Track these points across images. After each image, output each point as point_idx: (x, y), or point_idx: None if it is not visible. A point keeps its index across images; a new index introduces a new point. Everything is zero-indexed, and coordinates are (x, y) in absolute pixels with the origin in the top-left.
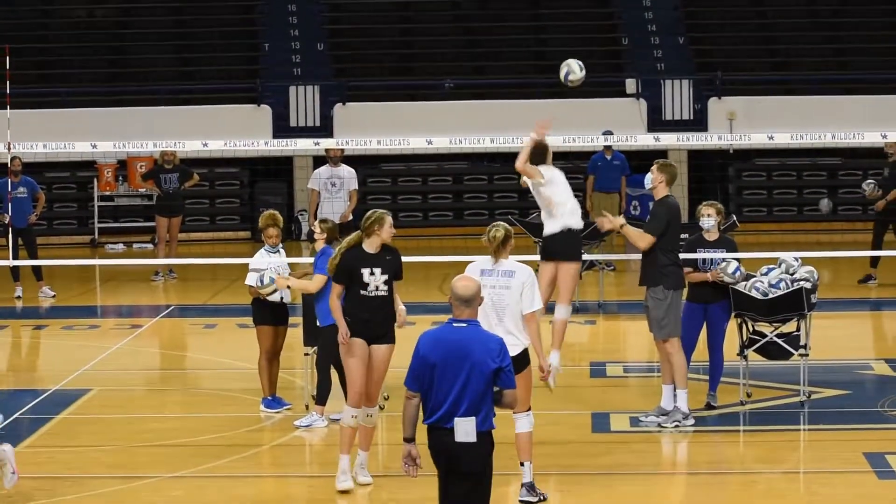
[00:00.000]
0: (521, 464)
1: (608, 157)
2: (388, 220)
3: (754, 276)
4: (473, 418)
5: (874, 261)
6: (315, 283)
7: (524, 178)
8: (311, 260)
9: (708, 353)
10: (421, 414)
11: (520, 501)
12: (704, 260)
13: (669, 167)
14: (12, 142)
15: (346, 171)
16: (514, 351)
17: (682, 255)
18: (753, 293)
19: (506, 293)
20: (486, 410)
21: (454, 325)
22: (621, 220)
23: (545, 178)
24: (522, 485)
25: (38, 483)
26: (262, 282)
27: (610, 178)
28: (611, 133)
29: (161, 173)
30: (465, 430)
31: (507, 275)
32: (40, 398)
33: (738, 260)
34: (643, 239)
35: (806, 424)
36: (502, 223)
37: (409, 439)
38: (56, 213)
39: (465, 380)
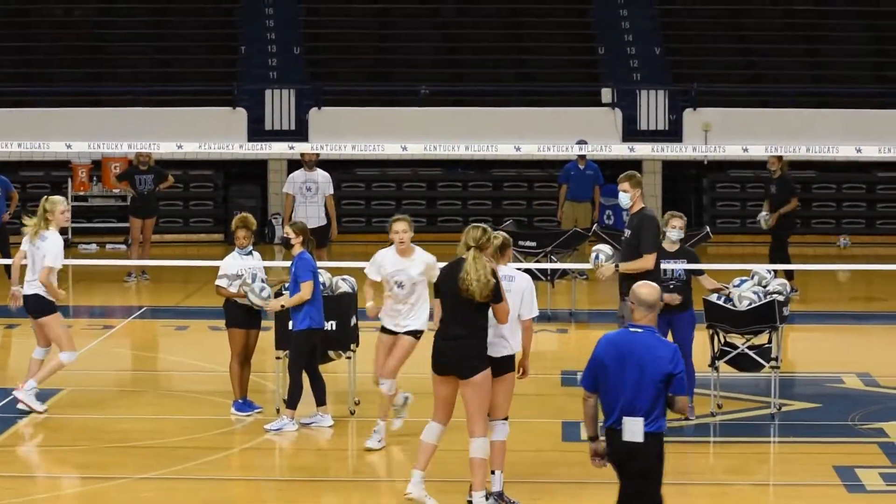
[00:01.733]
0: (492, 472)
1: (581, 167)
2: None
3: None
4: (641, 419)
5: (790, 274)
6: (305, 291)
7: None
8: (285, 264)
9: None
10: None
11: None
12: (665, 272)
13: (635, 177)
14: None
15: (322, 176)
16: (501, 353)
17: None
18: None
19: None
20: (657, 413)
21: (631, 329)
22: (611, 267)
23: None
24: (491, 494)
25: (7, 482)
26: (254, 284)
27: (583, 188)
28: (585, 143)
29: (136, 174)
30: (631, 430)
31: (508, 279)
32: (11, 397)
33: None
34: (647, 261)
35: (776, 437)
36: (502, 231)
37: (593, 438)
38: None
39: (637, 383)
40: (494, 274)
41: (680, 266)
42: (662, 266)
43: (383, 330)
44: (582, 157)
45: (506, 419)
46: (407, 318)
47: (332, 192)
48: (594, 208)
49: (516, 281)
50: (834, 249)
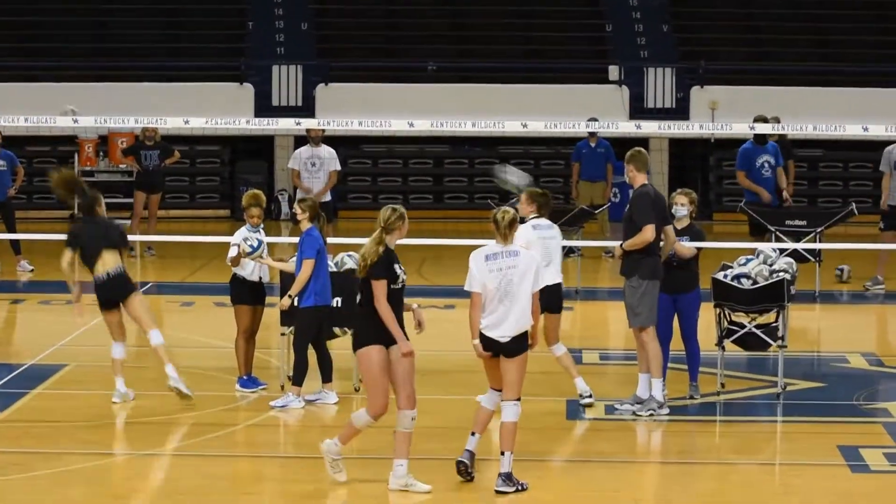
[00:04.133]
0: (502, 453)
1: (592, 145)
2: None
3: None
4: None
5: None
6: (305, 270)
7: None
8: (293, 240)
9: (683, 344)
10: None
11: (496, 491)
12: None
13: (638, 154)
14: None
15: (326, 152)
16: (514, 333)
17: None
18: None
19: (513, 272)
20: None
21: None
22: (617, 247)
23: None
24: (500, 475)
25: (12, 458)
26: (251, 247)
27: (595, 166)
28: (595, 120)
29: (142, 149)
30: None
31: (513, 255)
32: (16, 372)
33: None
34: (646, 233)
35: (781, 416)
36: (509, 208)
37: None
38: (36, 187)
39: None
40: (383, 254)
41: (685, 244)
42: None
43: None
44: (593, 134)
45: (518, 399)
46: None
47: (337, 167)
48: (607, 186)
49: (521, 258)
50: (840, 228)
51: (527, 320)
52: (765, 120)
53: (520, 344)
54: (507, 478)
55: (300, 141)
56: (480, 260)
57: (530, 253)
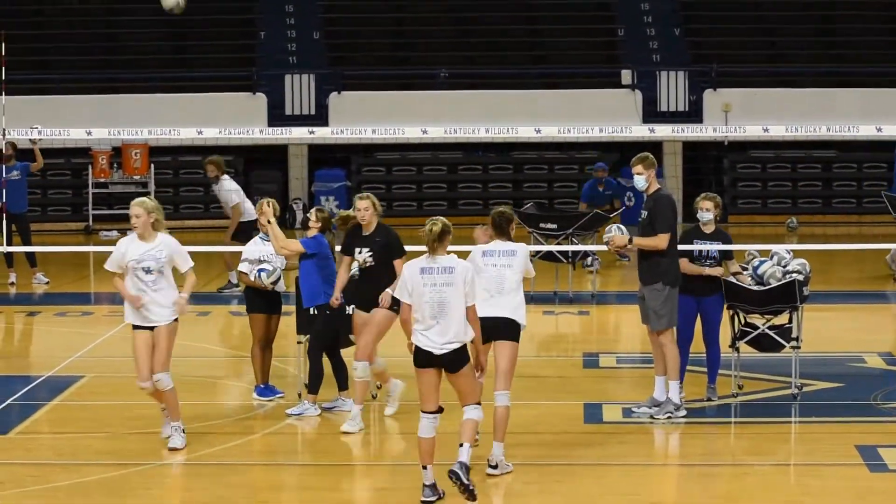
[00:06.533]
0: (461, 445)
1: (601, 189)
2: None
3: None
4: None
5: None
6: (293, 243)
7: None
8: None
9: (705, 347)
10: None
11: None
12: (700, 252)
13: (648, 158)
14: (7, 128)
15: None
16: (450, 348)
17: (679, 246)
18: (749, 281)
19: (447, 290)
20: None
21: None
22: (624, 238)
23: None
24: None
25: (30, 470)
26: (260, 276)
27: (601, 203)
28: (605, 166)
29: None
30: None
31: (447, 271)
32: (33, 384)
33: (730, 252)
34: (660, 240)
35: (798, 417)
36: (441, 218)
37: None
38: (50, 199)
39: None
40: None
41: (714, 247)
42: (697, 247)
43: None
44: (600, 181)
45: (478, 404)
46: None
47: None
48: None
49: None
50: (854, 229)
51: (465, 333)
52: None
53: (459, 357)
54: (461, 470)
55: (314, 150)
56: (415, 271)
57: (464, 264)
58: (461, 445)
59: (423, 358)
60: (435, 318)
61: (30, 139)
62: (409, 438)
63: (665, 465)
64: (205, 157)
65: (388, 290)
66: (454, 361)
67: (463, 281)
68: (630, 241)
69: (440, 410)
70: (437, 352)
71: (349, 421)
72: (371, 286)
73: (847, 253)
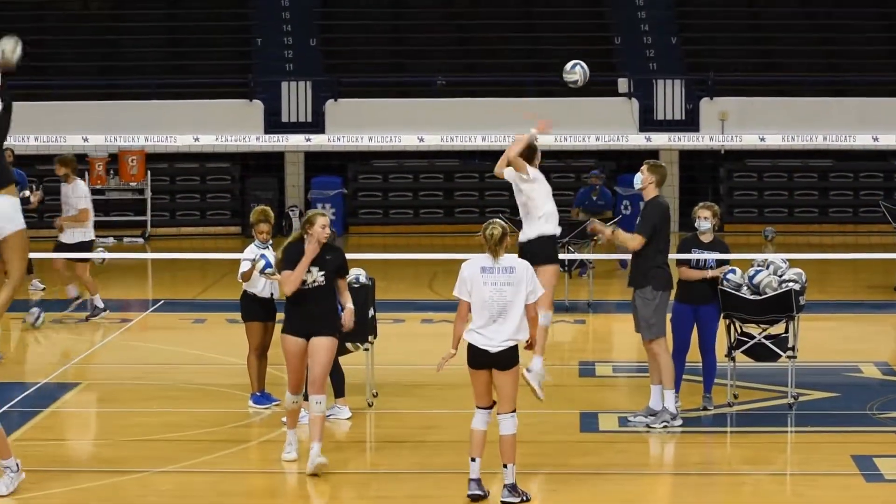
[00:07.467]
0: (504, 466)
1: (594, 198)
2: (320, 220)
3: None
4: None
5: None
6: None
7: (503, 171)
8: None
9: (701, 356)
10: None
11: (502, 502)
12: (698, 261)
13: (660, 168)
14: None
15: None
16: (506, 346)
17: (676, 255)
18: (744, 291)
19: (508, 290)
20: None
21: None
22: (610, 228)
23: (530, 175)
24: (505, 486)
25: (26, 476)
26: (264, 257)
27: (594, 213)
28: (599, 171)
29: None
30: None
31: (508, 271)
32: (29, 391)
33: (727, 262)
34: (634, 240)
35: (793, 426)
36: (498, 220)
37: None
38: (47, 205)
39: None
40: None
41: (712, 256)
42: (695, 256)
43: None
44: (594, 188)
45: (513, 411)
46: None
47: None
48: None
49: (517, 272)
50: (851, 238)
51: (522, 333)
52: None
53: (512, 355)
54: (513, 488)
55: (310, 157)
56: (476, 270)
57: (524, 263)
58: (505, 467)
59: (478, 358)
60: (494, 318)
61: (29, 195)
62: (405, 448)
63: (661, 475)
64: (201, 164)
65: (349, 306)
66: (508, 359)
67: (525, 280)
68: (612, 231)
69: (494, 405)
70: (494, 350)
71: (287, 447)
72: (316, 307)
73: (843, 262)
